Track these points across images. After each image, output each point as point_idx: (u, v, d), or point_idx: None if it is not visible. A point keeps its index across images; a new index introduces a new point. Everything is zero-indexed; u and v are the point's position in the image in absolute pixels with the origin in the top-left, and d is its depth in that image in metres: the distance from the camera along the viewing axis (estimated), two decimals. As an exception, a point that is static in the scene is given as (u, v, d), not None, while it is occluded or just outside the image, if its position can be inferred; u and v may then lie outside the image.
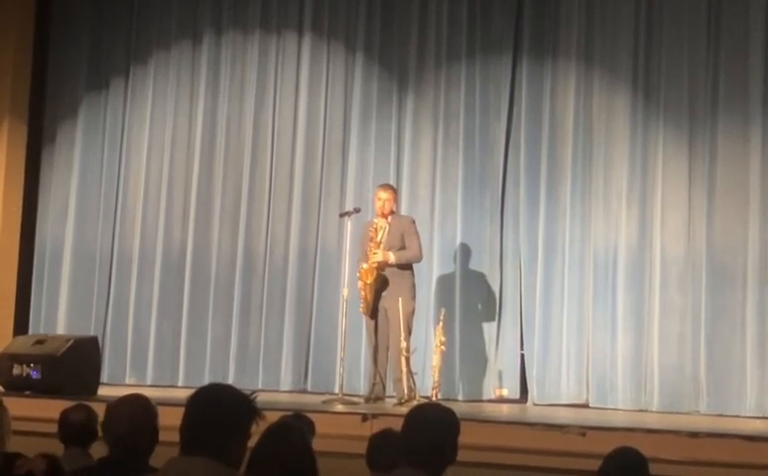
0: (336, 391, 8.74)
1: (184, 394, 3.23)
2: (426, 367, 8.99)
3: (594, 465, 3.94)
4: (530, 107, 9.90)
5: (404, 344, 8.33)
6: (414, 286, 8.66)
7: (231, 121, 10.69)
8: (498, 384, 9.77)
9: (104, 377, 9.71)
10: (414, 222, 8.85)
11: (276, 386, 10.06)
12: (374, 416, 7.11)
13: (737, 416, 8.79)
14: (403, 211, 9.51)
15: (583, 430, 6.80)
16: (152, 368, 10.54)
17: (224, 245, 10.55)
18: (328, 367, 9.77)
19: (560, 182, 9.72)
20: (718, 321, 9.14)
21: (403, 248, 8.63)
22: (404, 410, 6.80)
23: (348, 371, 9.18)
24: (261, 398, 3.16)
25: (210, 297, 10.49)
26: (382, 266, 8.53)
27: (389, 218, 8.71)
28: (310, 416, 5.20)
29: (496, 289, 9.85)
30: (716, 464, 6.44)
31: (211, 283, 10.50)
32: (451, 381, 9.56)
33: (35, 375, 8.45)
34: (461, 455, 3.62)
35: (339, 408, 8.03)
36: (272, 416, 3.44)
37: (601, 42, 9.76)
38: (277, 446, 3.38)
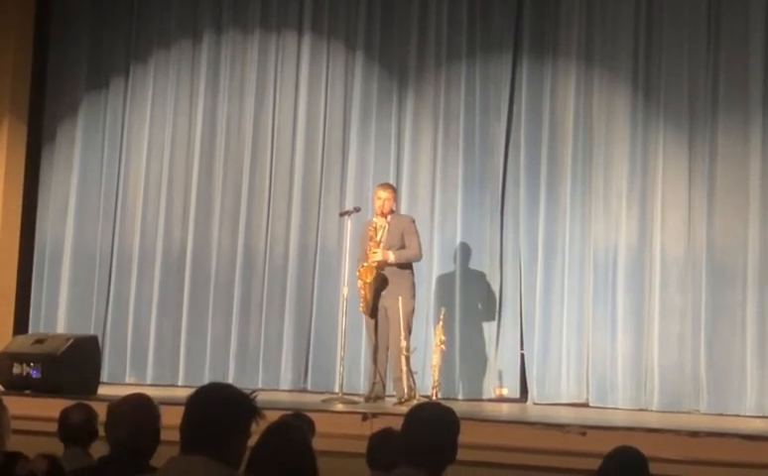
0: (336, 390, 8.74)
1: (184, 393, 3.23)
2: (426, 366, 9.00)
3: (594, 464, 3.94)
4: (530, 107, 9.90)
5: (404, 343, 8.33)
6: (414, 285, 8.66)
7: (231, 120, 10.69)
8: (498, 383, 9.77)
9: (104, 376, 9.72)
10: (414, 221, 8.85)
11: (276, 385, 10.07)
12: (374, 415, 7.11)
13: (737, 416, 8.79)
14: (403, 211, 9.52)
15: (584, 430, 6.80)
16: (152, 367, 10.54)
17: (224, 244, 10.55)
18: (328, 366, 9.78)
19: (560, 182, 9.72)
20: (718, 321, 9.14)
21: (403, 247, 8.63)
22: (404, 409, 6.80)
23: (348, 370, 9.18)
24: (261, 397, 3.16)
25: (210, 295, 10.49)
26: (382, 265, 8.54)
27: (389, 217, 8.71)
28: (309, 415, 5.20)
29: (496, 288, 9.85)
30: (716, 463, 6.44)
31: (211, 282, 10.51)
32: (452, 380, 9.57)
33: (35, 374, 8.45)
34: (461, 454, 3.62)
35: (339, 407, 8.03)
36: (272, 416, 3.44)
37: (601, 42, 9.76)
38: (277, 445, 3.38)
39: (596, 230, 9.57)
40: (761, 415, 8.80)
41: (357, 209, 9.00)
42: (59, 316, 10.84)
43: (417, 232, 8.76)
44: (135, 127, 10.97)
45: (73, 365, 8.51)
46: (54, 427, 4.98)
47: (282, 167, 10.51)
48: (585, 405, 9.34)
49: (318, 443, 3.79)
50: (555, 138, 9.78)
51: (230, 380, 9.69)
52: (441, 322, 8.84)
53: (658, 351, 9.24)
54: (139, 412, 3.82)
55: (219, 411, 2.97)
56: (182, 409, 3.01)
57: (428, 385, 8.76)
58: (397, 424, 3.75)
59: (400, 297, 8.40)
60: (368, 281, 8.50)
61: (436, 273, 9.91)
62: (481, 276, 9.89)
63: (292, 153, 10.51)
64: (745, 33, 9.31)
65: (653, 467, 3.98)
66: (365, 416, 7.13)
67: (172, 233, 10.73)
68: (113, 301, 10.80)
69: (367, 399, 8.53)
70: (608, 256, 9.50)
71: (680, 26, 9.52)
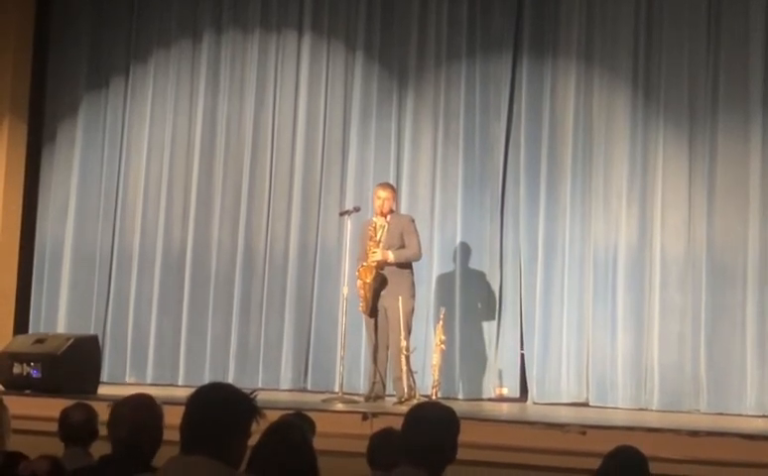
0: (336, 389, 8.74)
1: (184, 392, 3.24)
2: (426, 366, 9.00)
3: (594, 464, 3.94)
4: (530, 106, 9.90)
5: (404, 343, 8.33)
6: (413, 284, 8.66)
7: (231, 120, 10.69)
8: (498, 383, 9.77)
9: (104, 376, 9.72)
10: (413, 221, 8.85)
11: (276, 384, 10.07)
12: (374, 414, 7.11)
13: (737, 415, 8.79)
14: (403, 210, 9.52)
15: (584, 429, 6.80)
16: (152, 366, 10.55)
17: (224, 243, 10.55)
18: (328, 366, 9.78)
19: (560, 182, 9.72)
20: (718, 320, 9.14)
21: (402, 247, 8.63)
22: (404, 408, 6.80)
23: (348, 369, 9.18)
24: (261, 396, 3.16)
25: (210, 295, 10.49)
26: (381, 265, 8.54)
27: (388, 217, 8.71)
28: (310, 414, 5.20)
29: (496, 288, 9.85)
30: (717, 463, 6.44)
31: (211, 281, 10.51)
32: (451, 380, 9.57)
33: (35, 374, 8.46)
34: (461, 454, 3.62)
35: (339, 406, 8.03)
36: (272, 415, 3.44)
37: (601, 41, 9.76)
38: (277, 445, 3.38)
39: (596, 229, 9.57)
40: (761, 414, 8.80)
41: (357, 209, 9.00)
42: (59, 316, 10.85)
43: (416, 232, 8.76)
44: (135, 127, 10.97)
45: (74, 365, 8.52)
46: (54, 427, 4.98)
47: (282, 166, 10.51)
48: (585, 404, 9.34)
49: (318, 443, 3.79)
50: (555, 137, 9.78)
51: (230, 379, 9.70)
52: (441, 322, 8.84)
53: (658, 351, 9.24)
54: (142, 411, 3.82)
55: (219, 410, 2.97)
56: (182, 408, 3.01)
57: (428, 384, 8.77)
58: (397, 424, 3.75)
59: (400, 297, 8.40)
60: (368, 280, 8.50)
61: (436, 272, 9.91)
62: (481, 275, 9.89)
63: (292, 152, 10.51)
64: (745, 33, 9.31)
65: (653, 467, 3.98)
66: (365, 416, 7.13)
67: (172, 233, 10.73)
68: (113, 301, 10.81)
69: (367, 398, 8.53)
70: (608, 255, 9.50)
71: (680, 25, 9.52)
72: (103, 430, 4.78)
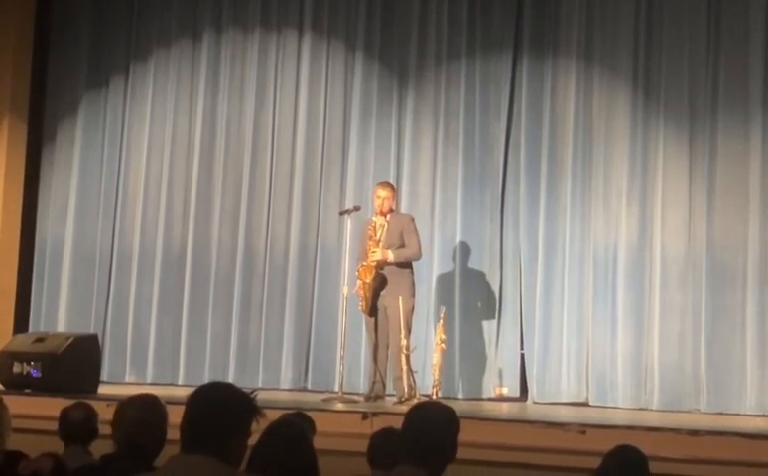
0: (336, 389, 8.74)
1: (184, 392, 3.24)
2: (426, 365, 9.00)
3: (594, 463, 3.94)
4: (530, 106, 9.90)
5: (404, 342, 8.33)
6: (413, 284, 8.67)
7: (231, 119, 10.69)
8: (498, 382, 9.77)
9: (104, 375, 9.73)
10: (413, 220, 8.86)
11: (276, 384, 10.07)
12: (374, 414, 7.11)
13: (737, 415, 8.79)
14: (403, 210, 9.53)
15: (584, 429, 6.80)
16: (152, 366, 10.54)
17: (224, 243, 10.55)
18: (329, 365, 9.78)
19: (560, 181, 9.72)
20: (718, 320, 9.14)
21: (402, 246, 8.63)
22: (404, 408, 6.80)
23: (348, 369, 9.18)
24: (261, 396, 3.16)
25: (210, 294, 10.50)
26: (381, 264, 8.54)
27: (388, 216, 8.71)
28: (310, 414, 5.20)
29: (496, 287, 9.85)
30: (716, 462, 6.44)
31: (211, 280, 10.51)
32: (452, 379, 9.57)
33: (35, 373, 8.46)
34: (461, 453, 3.62)
35: (339, 406, 8.04)
36: (272, 415, 3.44)
37: (601, 41, 9.76)
38: (277, 445, 3.38)
39: (596, 229, 9.57)
40: (761, 413, 8.80)
41: (357, 208, 9.00)
42: (59, 315, 10.85)
43: (416, 231, 8.76)
44: (135, 126, 10.97)
45: (74, 364, 8.52)
46: (54, 426, 4.98)
47: (282, 165, 10.51)
48: (585, 403, 9.34)
49: (318, 442, 3.80)
50: (555, 137, 9.78)
51: (230, 379, 9.69)
52: (441, 321, 8.84)
53: (658, 350, 9.24)
54: (147, 411, 3.82)
55: (220, 410, 2.97)
56: (182, 408, 3.01)
57: (428, 384, 8.77)
58: (397, 423, 3.75)
59: (400, 297, 8.40)
60: (367, 280, 8.51)
61: (436, 272, 9.91)
62: (481, 274, 9.89)
63: (292, 151, 10.51)
64: (745, 33, 9.31)
65: (653, 466, 3.98)
66: (365, 415, 7.13)
67: (172, 232, 10.74)
68: (113, 300, 10.81)
69: (367, 398, 8.53)
70: (608, 255, 9.50)
71: (680, 25, 9.52)
72: (103, 430, 4.79)
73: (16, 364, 8.56)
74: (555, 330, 9.58)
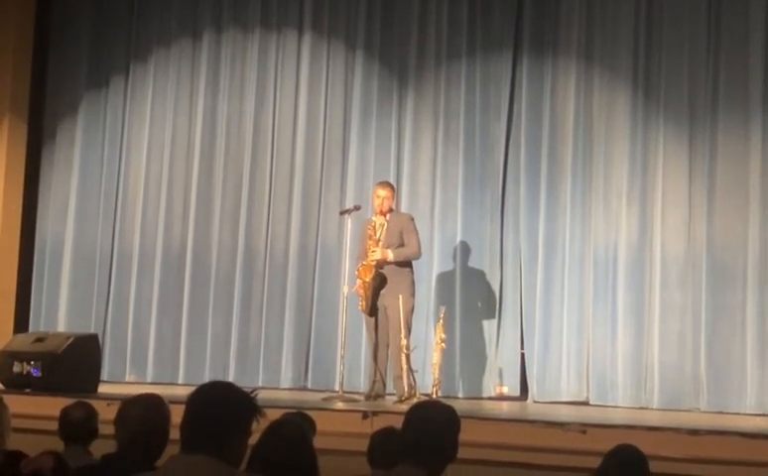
0: (337, 388, 8.74)
1: (184, 391, 3.23)
2: (426, 364, 9.00)
3: (595, 462, 3.94)
4: (530, 106, 9.90)
5: (404, 342, 8.33)
6: (413, 283, 8.67)
7: (231, 119, 10.69)
8: (498, 381, 9.77)
9: (104, 375, 9.72)
10: (413, 219, 8.86)
11: (276, 383, 10.07)
12: (374, 413, 7.11)
13: (737, 414, 8.79)
14: (403, 209, 9.54)
15: (584, 428, 6.80)
16: (152, 365, 10.55)
17: (224, 243, 10.56)
18: (329, 364, 9.78)
19: (560, 181, 9.73)
20: (718, 319, 9.14)
21: (402, 245, 8.63)
22: (404, 407, 6.80)
23: (349, 368, 9.19)
24: (261, 395, 3.16)
25: (211, 294, 10.50)
26: (381, 264, 8.54)
27: (388, 216, 8.71)
28: (310, 413, 5.20)
29: (496, 287, 9.85)
30: (716, 461, 6.44)
31: (212, 280, 10.51)
32: (452, 378, 9.57)
33: (35, 372, 8.46)
34: (462, 453, 3.61)
35: (340, 405, 8.04)
36: (272, 414, 3.44)
37: (602, 41, 9.76)
38: (278, 444, 3.39)
39: (596, 229, 9.57)
40: (761, 413, 8.80)
41: (357, 208, 9.00)
42: (59, 315, 10.85)
43: (416, 230, 8.76)
44: (135, 126, 10.98)
45: (74, 363, 8.52)
46: (54, 426, 4.99)
47: (282, 165, 10.52)
48: (586, 403, 9.34)
49: (318, 442, 3.80)
50: (555, 137, 9.79)
51: (231, 378, 9.69)
52: (441, 320, 8.84)
53: (658, 349, 9.24)
54: (150, 411, 3.82)
55: (220, 409, 2.97)
56: (182, 407, 3.01)
57: (428, 383, 8.77)
58: (397, 423, 3.75)
59: (400, 296, 8.40)
60: (367, 279, 8.51)
61: (436, 271, 9.92)
62: (481, 274, 9.90)
63: (292, 151, 10.51)
64: (745, 33, 9.32)
65: (653, 465, 3.98)
66: (365, 415, 7.13)
67: (172, 232, 10.74)
68: (113, 300, 10.81)
69: (367, 397, 8.54)
70: (608, 254, 9.50)
71: (680, 25, 9.52)
72: (103, 429, 4.80)
73: (16, 364, 8.56)
74: (555, 330, 9.58)
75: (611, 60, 9.68)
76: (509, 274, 9.85)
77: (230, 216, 10.58)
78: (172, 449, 3.10)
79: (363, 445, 4.67)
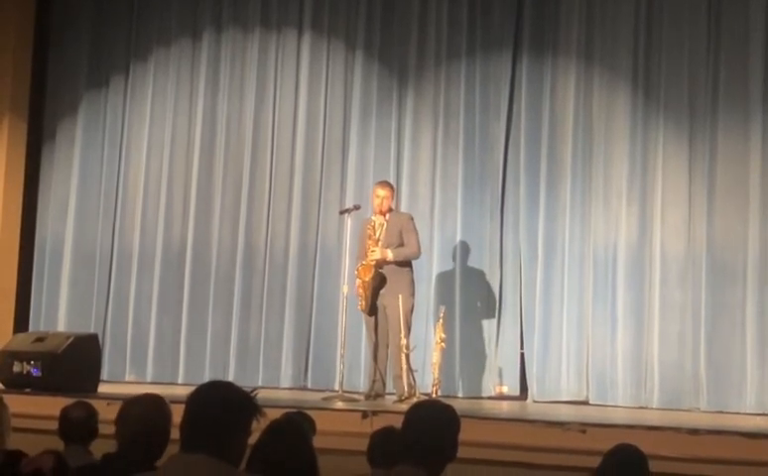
0: (336, 388, 8.75)
1: (184, 391, 3.24)
2: (426, 364, 9.00)
3: (594, 462, 3.94)
4: (530, 106, 9.90)
5: (404, 341, 8.33)
6: (413, 282, 8.67)
7: (231, 119, 10.69)
8: (498, 381, 9.77)
9: (104, 374, 9.71)
10: (412, 219, 8.86)
11: (276, 382, 10.07)
12: (374, 412, 7.11)
13: (737, 413, 8.80)
14: (403, 209, 9.55)
15: (584, 427, 6.80)
16: (152, 365, 10.55)
17: (224, 242, 10.56)
18: (329, 364, 9.78)
19: (560, 181, 9.73)
20: (718, 319, 9.14)
21: (401, 245, 8.63)
22: (404, 407, 6.79)
23: (348, 368, 9.19)
24: (261, 395, 3.16)
25: (210, 293, 10.50)
26: (380, 263, 8.54)
27: (387, 215, 8.72)
28: (310, 412, 5.20)
29: (496, 286, 9.85)
30: (716, 461, 6.44)
31: (211, 279, 10.51)
32: (452, 378, 9.57)
33: (35, 372, 8.46)
34: (461, 452, 3.61)
35: (339, 405, 8.05)
36: (272, 413, 3.44)
37: (601, 40, 9.76)
38: (277, 444, 3.39)
39: (596, 228, 9.57)
40: (761, 412, 8.81)
41: (357, 207, 9.00)
42: (59, 314, 10.85)
43: (415, 230, 8.76)
44: (135, 125, 10.98)
45: (74, 363, 8.52)
46: (54, 425, 4.99)
47: (282, 165, 10.52)
48: (585, 402, 9.34)
49: (318, 441, 3.80)
50: (555, 136, 9.79)
51: (230, 378, 9.70)
52: (440, 320, 8.84)
53: (658, 349, 9.24)
54: (150, 410, 3.82)
55: (220, 409, 2.97)
56: (182, 407, 3.02)
57: (428, 383, 8.77)
58: (397, 422, 3.75)
59: (399, 295, 8.40)
60: (366, 279, 8.51)
61: (435, 271, 9.92)
62: (481, 274, 9.90)
63: (292, 151, 10.51)
64: (745, 33, 9.32)
65: (653, 465, 3.98)
66: (365, 414, 7.13)
67: (172, 231, 10.74)
68: (113, 299, 10.81)
69: (367, 396, 8.54)
70: (608, 254, 9.50)
71: (680, 25, 9.52)
72: (103, 429, 4.80)
73: (16, 363, 8.55)
74: (555, 329, 9.58)
75: (611, 60, 9.68)
76: (509, 273, 9.85)
77: (230, 215, 10.58)
78: (172, 449, 3.10)
79: (363, 445, 4.67)
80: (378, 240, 8.60)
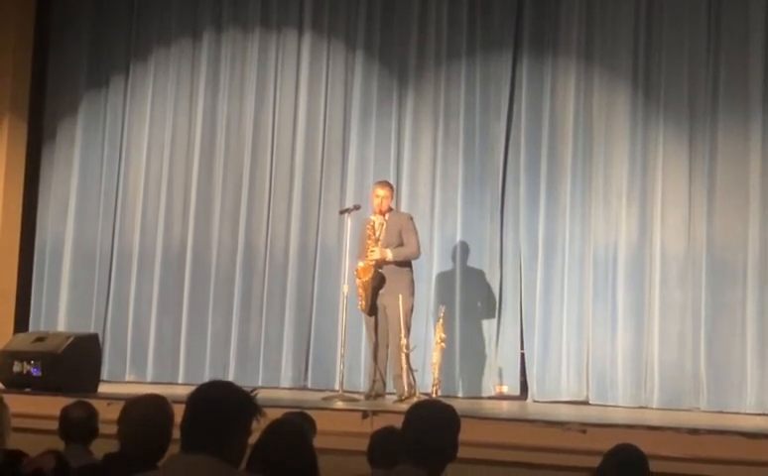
0: (337, 388, 8.75)
1: (184, 391, 3.24)
2: (426, 364, 9.01)
3: (595, 462, 3.94)
4: (530, 106, 9.90)
5: (404, 341, 8.33)
6: (413, 282, 8.67)
7: (231, 119, 10.69)
8: (498, 381, 9.78)
9: (104, 374, 9.72)
10: (412, 219, 8.86)
11: (276, 382, 10.07)
12: (374, 412, 7.11)
13: (737, 413, 8.80)
14: (403, 209, 9.55)
15: (584, 427, 6.80)
16: (152, 365, 10.55)
17: (224, 242, 10.56)
18: (329, 364, 9.78)
19: (560, 181, 9.73)
20: (718, 318, 9.15)
21: (401, 245, 8.63)
22: (404, 406, 6.79)
23: (349, 368, 9.19)
24: (261, 395, 3.16)
25: (210, 293, 10.50)
26: (380, 263, 8.54)
27: (387, 215, 8.72)
28: (310, 412, 5.20)
29: (496, 286, 9.85)
30: (716, 461, 6.44)
31: (211, 279, 10.51)
32: (452, 378, 9.57)
33: (35, 372, 8.46)
34: (461, 452, 3.61)
35: (340, 404, 8.05)
36: (272, 413, 3.44)
37: (601, 40, 9.76)
38: (278, 444, 3.39)
39: (596, 228, 9.57)
40: (761, 412, 8.81)
41: (357, 207, 9.00)
42: (59, 314, 10.85)
43: (415, 229, 8.76)
44: (135, 125, 10.98)
45: (74, 363, 8.52)
46: (54, 425, 4.99)
47: (282, 165, 10.52)
48: (585, 402, 9.34)
49: (318, 441, 3.80)
50: (555, 136, 9.79)
51: (231, 377, 9.70)
52: (441, 320, 8.85)
53: (658, 349, 9.24)
54: (152, 411, 3.82)
55: (220, 409, 2.97)
56: (182, 406, 3.02)
57: (428, 382, 8.77)
58: (397, 422, 3.75)
59: (399, 295, 8.40)
60: (366, 279, 8.51)
61: (435, 271, 9.92)
62: (481, 274, 9.90)
63: (292, 151, 10.51)
64: (745, 33, 9.32)
65: (653, 465, 3.98)
66: (365, 414, 7.13)
67: (172, 231, 10.74)
68: (113, 300, 10.81)
69: (367, 396, 8.54)
70: (608, 254, 9.50)
71: (680, 25, 9.52)
72: (103, 429, 4.80)
73: (16, 363, 8.56)
74: (555, 329, 9.58)
75: (611, 60, 9.68)
76: (509, 273, 9.85)
77: (230, 215, 10.58)
78: (171, 449, 3.10)
79: (363, 445, 4.67)
80: (378, 240, 8.60)
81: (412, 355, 8.41)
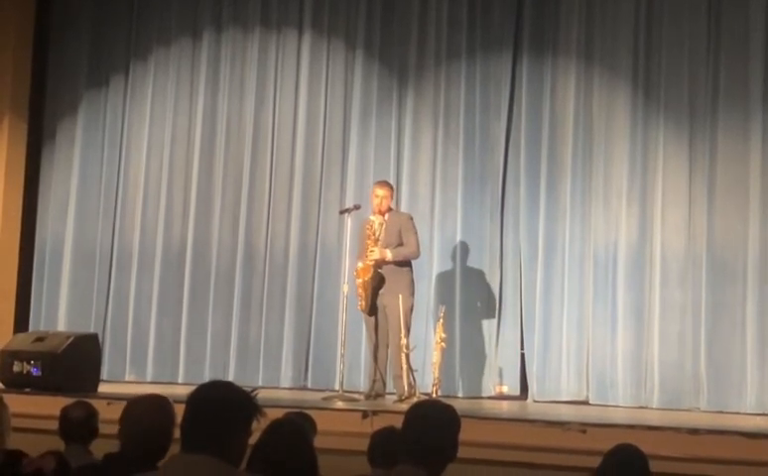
0: (337, 387, 8.75)
1: (184, 390, 3.24)
2: (426, 364, 9.01)
3: (595, 462, 3.94)
4: (530, 105, 9.90)
5: (404, 341, 8.33)
6: (412, 282, 8.67)
7: (231, 118, 10.69)
8: (498, 381, 9.78)
9: (104, 374, 9.71)
10: (411, 219, 8.86)
11: (276, 382, 10.07)
12: (374, 412, 7.11)
13: (737, 413, 8.80)
14: (403, 209, 9.55)
15: (584, 427, 6.80)
16: (152, 364, 10.55)
17: (224, 241, 10.56)
18: (329, 364, 9.78)
19: (560, 181, 9.73)
20: (719, 318, 9.15)
21: (401, 245, 8.63)
22: (404, 406, 6.79)
23: (349, 368, 9.19)
24: (261, 394, 3.15)
25: (210, 293, 10.50)
26: (379, 263, 8.54)
27: (386, 215, 8.72)
28: (310, 412, 5.20)
29: (496, 286, 9.85)
30: (716, 461, 6.44)
31: (211, 279, 10.51)
32: (452, 378, 9.57)
33: (35, 372, 8.46)
34: (462, 452, 3.61)
35: (340, 404, 8.05)
36: (273, 413, 3.44)
37: (601, 40, 9.76)
38: (278, 444, 3.39)
39: (596, 228, 9.57)
40: (761, 412, 8.81)
41: (357, 207, 9.00)
42: (59, 314, 10.85)
43: (415, 229, 8.76)
44: (135, 125, 10.98)
45: (74, 363, 8.52)
46: (54, 425, 4.99)
47: (282, 164, 10.52)
48: (586, 402, 9.34)
49: (318, 441, 3.81)
50: (555, 136, 9.79)
51: (231, 377, 9.70)
52: (441, 320, 8.85)
53: (658, 348, 9.24)
54: (153, 411, 3.82)
55: (220, 409, 2.97)
56: (182, 406, 3.02)
57: (428, 382, 8.77)
58: (397, 422, 3.75)
59: (399, 295, 8.40)
60: (366, 279, 8.51)
61: (436, 270, 9.92)
62: (481, 274, 9.90)
63: (292, 150, 10.51)
64: (745, 33, 9.32)
65: (653, 465, 3.98)
66: (365, 414, 7.13)
67: (172, 231, 10.74)
68: (113, 299, 10.81)
69: (367, 396, 8.54)
70: (608, 254, 9.50)
71: (680, 24, 9.52)
72: (103, 429, 4.80)
73: (16, 363, 8.56)
74: (555, 329, 9.58)
75: (611, 60, 9.68)
76: (509, 273, 9.85)
77: (230, 215, 10.58)
78: (172, 449, 3.10)
79: (363, 445, 4.67)
80: (378, 240, 8.60)
81: (412, 355, 8.41)
